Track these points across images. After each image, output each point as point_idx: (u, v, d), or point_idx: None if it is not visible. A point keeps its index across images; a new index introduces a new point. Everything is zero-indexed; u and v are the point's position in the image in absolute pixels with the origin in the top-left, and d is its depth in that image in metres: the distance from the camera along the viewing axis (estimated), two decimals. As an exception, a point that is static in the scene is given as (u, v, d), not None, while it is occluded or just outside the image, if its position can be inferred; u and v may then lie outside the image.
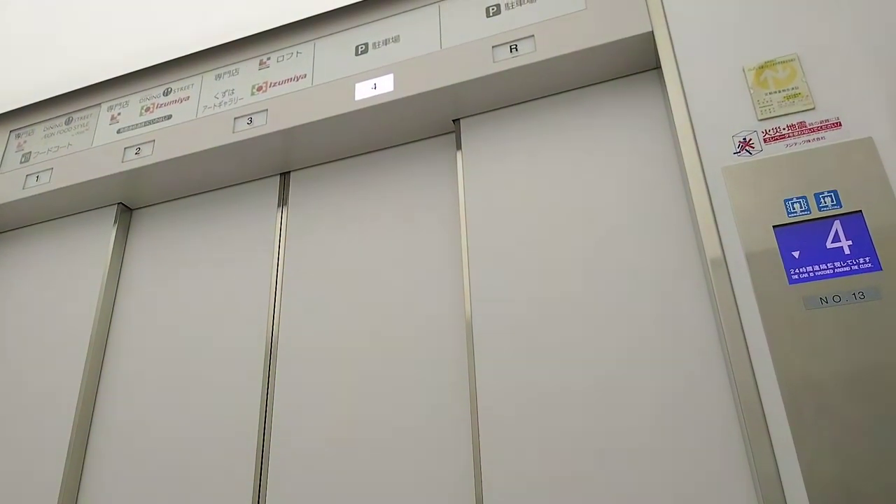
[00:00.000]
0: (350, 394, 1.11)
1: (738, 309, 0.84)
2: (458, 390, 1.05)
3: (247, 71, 1.33)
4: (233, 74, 1.33)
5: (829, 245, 0.83)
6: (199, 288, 1.30)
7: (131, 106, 1.40)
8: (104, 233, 1.40)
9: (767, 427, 0.78)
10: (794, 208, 0.86)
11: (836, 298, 0.80)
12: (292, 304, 1.22)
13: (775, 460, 0.76)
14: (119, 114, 1.40)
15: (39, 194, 1.37)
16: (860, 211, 0.83)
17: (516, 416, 0.96)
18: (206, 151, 1.27)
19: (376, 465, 1.05)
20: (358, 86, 1.19)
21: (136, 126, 1.36)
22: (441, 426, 1.04)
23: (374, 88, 1.18)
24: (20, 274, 1.44)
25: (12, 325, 1.39)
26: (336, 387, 1.12)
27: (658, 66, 1.09)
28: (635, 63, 1.11)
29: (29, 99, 1.48)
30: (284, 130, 1.22)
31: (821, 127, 0.89)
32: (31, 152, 1.45)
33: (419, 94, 1.15)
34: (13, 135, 1.50)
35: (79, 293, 1.35)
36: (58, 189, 1.36)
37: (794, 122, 0.90)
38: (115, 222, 1.40)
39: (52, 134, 1.45)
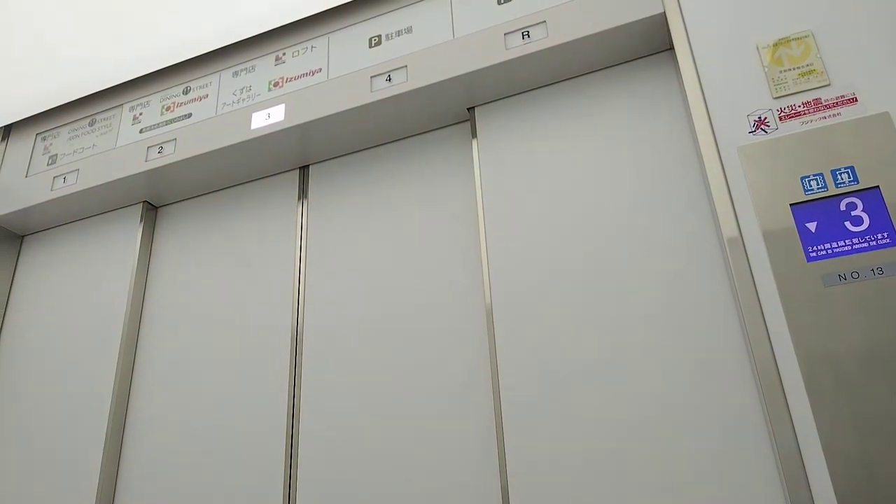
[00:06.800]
0: (374, 381, 1.13)
1: (756, 287, 0.84)
2: (480, 376, 1.07)
3: (263, 67, 1.34)
4: (249, 71, 1.35)
5: (846, 221, 0.83)
6: (225, 281, 1.33)
7: (152, 106, 1.43)
8: (131, 231, 1.44)
9: (787, 402, 0.78)
10: (810, 186, 0.86)
11: (855, 275, 0.80)
12: (315, 294, 1.25)
13: (795, 435, 0.77)
14: (141, 114, 1.43)
15: (67, 195, 1.41)
16: (878, 186, 0.83)
17: (538, 397, 0.98)
18: (226, 148, 1.29)
19: (401, 450, 1.07)
20: (373, 77, 1.21)
21: (158, 125, 1.39)
22: (464, 411, 1.06)
23: (389, 80, 1.19)
24: (51, 274, 1.48)
25: (46, 324, 1.43)
26: (360, 375, 1.15)
27: (671, 47, 1.09)
28: (648, 45, 1.11)
29: (53, 102, 1.51)
30: (302, 125, 1.24)
31: (836, 103, 0.88)
32: (57, 154, 1.49)
33: (433, 84, 1.16)
34: (39, 137, 1.54)
35: (109, 290, 1.39)
36: (84, 189, 1.39)
37: (810, 100, 0.90)
38: (140, 220, 1.44)
39: (77, 136, 1.49)
